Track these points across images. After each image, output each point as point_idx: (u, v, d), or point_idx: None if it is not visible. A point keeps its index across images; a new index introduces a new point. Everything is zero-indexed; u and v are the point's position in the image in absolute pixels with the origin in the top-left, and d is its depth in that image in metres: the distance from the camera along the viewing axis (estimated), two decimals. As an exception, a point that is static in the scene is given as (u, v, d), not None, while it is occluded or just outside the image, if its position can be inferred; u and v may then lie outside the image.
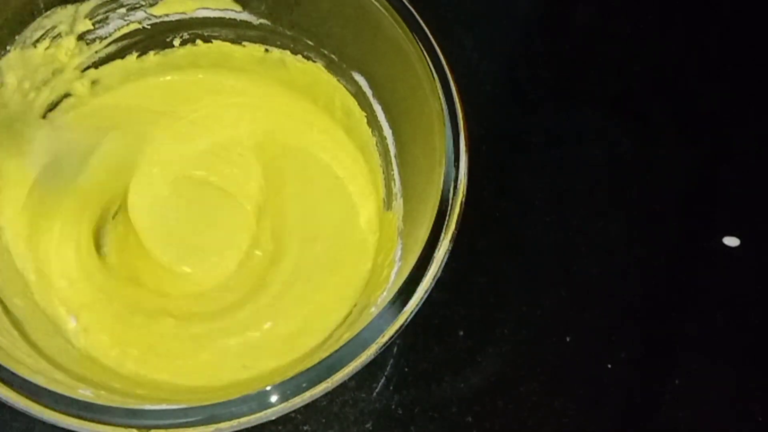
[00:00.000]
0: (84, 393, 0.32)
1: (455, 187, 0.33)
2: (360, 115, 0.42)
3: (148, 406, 0.30)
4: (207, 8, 0.43)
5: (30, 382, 0.30)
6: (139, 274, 0.43)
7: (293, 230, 0.43)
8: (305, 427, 0.44)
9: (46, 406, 0.29)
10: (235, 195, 0.45)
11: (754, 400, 0.47)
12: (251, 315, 0.41)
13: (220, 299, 0.42)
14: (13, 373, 0.30)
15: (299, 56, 0.44)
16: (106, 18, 0.43)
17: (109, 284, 0.42)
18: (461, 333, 0.47)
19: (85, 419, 0.29)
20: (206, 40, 0.45)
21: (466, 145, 0.34)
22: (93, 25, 0.43)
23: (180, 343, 0.40)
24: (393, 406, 0.45)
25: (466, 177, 0.34)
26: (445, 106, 0.35)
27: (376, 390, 0.45)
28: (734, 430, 0.47)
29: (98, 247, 0.43)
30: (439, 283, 0.33)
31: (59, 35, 0.42)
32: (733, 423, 0.46)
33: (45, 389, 0.30)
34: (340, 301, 0.40)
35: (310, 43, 0.43)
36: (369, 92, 0.41)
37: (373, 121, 0.42)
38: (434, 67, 0.35)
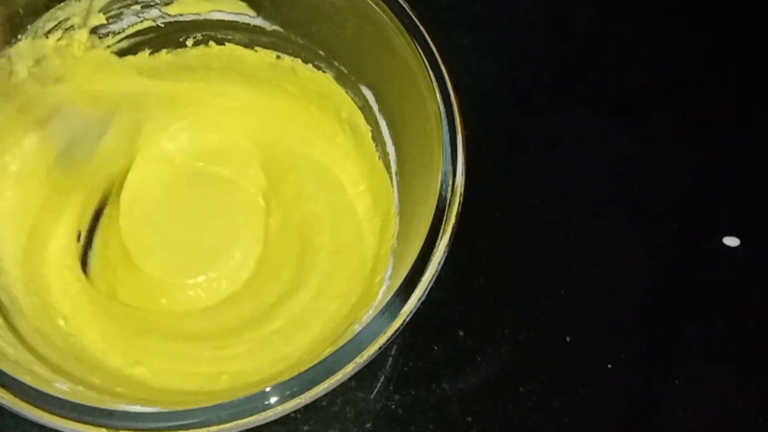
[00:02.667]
0: (60, 387, 0.32)
1: (449, 206, 0.33)
2: (365, 129, 0.43)
3: (137, 408, 0.30)
4: (221, 11, 0.43)
5: (6, 374, 0.30)
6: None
7: (297, 243, 0.44)
8: (305, 427, 0.44)
9: (22, 399, 0.29)
10: (242, 199, 0.45)
11: (754, 400, 0.47)
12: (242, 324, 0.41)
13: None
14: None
15: (310, 65, 0.44)
16: (120, 14, 0.43)
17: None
18: (461, 333, 0.47)
19: (62, 416, 0.29)
20: (219, 42, 0.45)
21: (463, 156, 0.34)
22: (107, 19, 0.43)
23: (169, 345, 0.40)
24: (393, 406, 0.45)
25: (461, 195, 0.34)
26: (444, 120, 0.35)
27: (376, 390, 0.45)
28: (734, 430, 0.47)
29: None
30: (439, 283, 0.33)
31: (72, 27, 0.42)
32: (733, 423, 0.47)
33: (19, 381, 0.30)
34: (334, 319, 0.40)
35: (321, 53, 0.43)
36: (375, 106, 0.41)
37: (377, 137, 0.42)
38: (440, 92, 0.35)
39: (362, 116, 0.43)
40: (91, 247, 0.44)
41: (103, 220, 0.45)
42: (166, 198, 0.45)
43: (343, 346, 0.31)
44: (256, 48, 0.45)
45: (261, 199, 0.46)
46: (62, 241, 0.43)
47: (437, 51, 0.36)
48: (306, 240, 0.44)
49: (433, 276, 0.32)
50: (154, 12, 0.43)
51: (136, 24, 0.44)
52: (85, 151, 0.43)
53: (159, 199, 0.45)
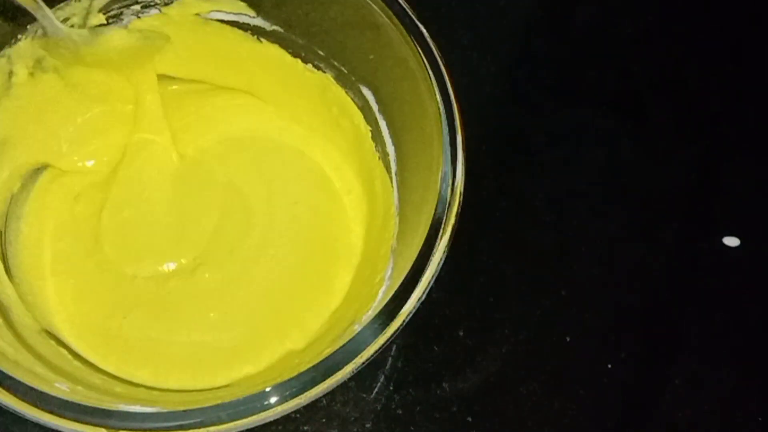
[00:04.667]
0: (60, 387, 0.32)
1: (449, 207, 0.33)
2: (365, 129, 0.43)
3: (137, 408, 0.30)
4: (221, 11, 0.43)
5: (6, 374, 0.30)
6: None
7: (280, 233, 0.44)
8: (305, 427, 0.44)
9: (22, 400, 0.29)
10: (236, 190, 0.45)
11: (754, 400, 0.47)
12: (227, 316, 0.41)
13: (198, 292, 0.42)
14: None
15: (310, 65, 0.44)
16: (120, 14, 0.43)
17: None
18: (461, 333, 0.47)
19: (62, 416, 0.29)
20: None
21: (462, 151, 0.34)
22: (107, 19, 0.42)
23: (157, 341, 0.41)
24: (393, 406, 0.45)
25: (461, 195, 0.34)
26: (444, 120, 0.35)
27: (376, 390, 0.45)
28: (734, 430, 0.47)
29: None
30: (439, 283, 0.33)
31: (72, 27, 0.42)
32: (733, 423, 0.47)
33: (19, 381, 0.30)
34: (317, 310, 0.41)
35: (321, 53, 0.43)
36: (375, 107, 0.41)
37: (377, 137, 0.42)
38: (440, 92, 0.35)
39: (362, 116, 0.43)
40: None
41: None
42: (159, 191, 0.45)
43: (342, 346, 0.31)
44: (257, 48, 0.45)
45: (256, 193, 0.46)
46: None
47: (437, 51, 0.36)
48: (293, 233, 0.44)
49: (433, 276, 0.32)
50: (153, 12, 0.43)
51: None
52: None
53: (150, 193, 0.45)
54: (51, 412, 0.29)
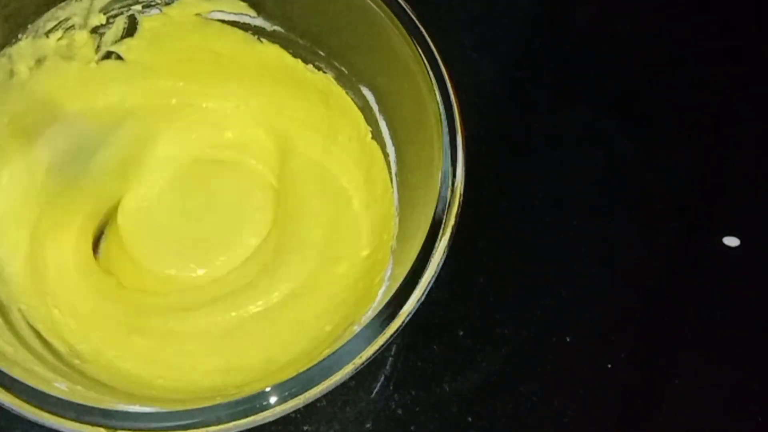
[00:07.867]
0: (59, 387, 0.32)
1: (449, 207, 0.33)
2: (366, 130, 0.43)
3: (136, 408, 0.30)
4: (222, 11, 0.43)
5: (5, 374, 0.30)
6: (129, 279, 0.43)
7: (295, 238, 0.43)
8: (305, 427, 0.44)
9: (21, 399, 0.29)
10: (242, 194, 0.45)
11: (754, 400, 0.47)
12: (239, 319, 0.41)
13: (210, 294, 0.42)
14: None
15: (311, 66, 0.44)
16: (121, 14, 0.43)
17: (101, 285, 0.42)
18: (461, 333, 0.47)
19: (61, 416, 0.29)
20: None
21: (463, 151, 0.34)
22: (107, 19, 0.43)
23: (161, 340, 0.40)
24: (393, 406, 0.45)
25: (461, 195, 0.34)
26: (444, 120, 0.35)
27: (376, 390, 0.45)
28: (734, 430, 0.47)
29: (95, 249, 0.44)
30: (439, 283, 0.33)
31: (72, 27, 0.42)
32: (733, 423, 0.47)
33: (19, 381, 0.30)
34: (327, 314, 0.40)
35: (322, 54, 0.43)
36: (375, 107, 0.41)
37: (377, 137, 0.42)
38: (440, 92, 0.35)
39: (362, 117, 0.43)
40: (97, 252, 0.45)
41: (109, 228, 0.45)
42: (167, 195, 0.45)
43: (342, 346, 0.31)
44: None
45: (262, 196, 0.46)
46: (68, 247, 0.43)
47: (437, 51, 0.36)
48: (301, 236, 0.43)
49: (432, 276, 0.32)
50: (154, 12, 0.43)
51: (136, 24, 0.44)
52: (79, 165, 0.43)
53: (160, 197, 0.45)
54: (51, 412, 0.29)
